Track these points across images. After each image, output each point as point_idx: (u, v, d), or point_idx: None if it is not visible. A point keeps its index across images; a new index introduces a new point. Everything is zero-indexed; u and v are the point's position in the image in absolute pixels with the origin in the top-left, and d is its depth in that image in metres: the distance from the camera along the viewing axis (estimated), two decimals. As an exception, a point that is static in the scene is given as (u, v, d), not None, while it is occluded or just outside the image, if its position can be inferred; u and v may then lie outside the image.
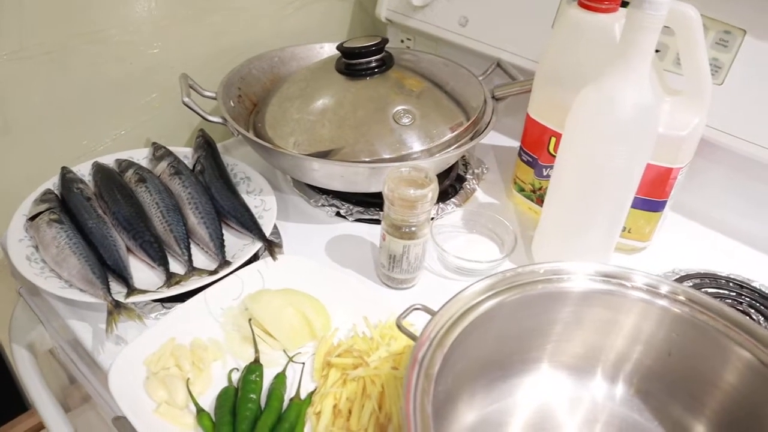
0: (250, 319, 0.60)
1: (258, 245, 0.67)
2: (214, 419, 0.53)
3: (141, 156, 0.78)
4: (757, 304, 0.70)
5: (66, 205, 0.68)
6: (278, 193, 0.80)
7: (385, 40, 0.78)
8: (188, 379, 0.55)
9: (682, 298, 0.51)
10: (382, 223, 0.66)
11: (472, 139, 0.76)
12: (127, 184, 0.72)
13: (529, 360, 0.56)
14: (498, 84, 0.83)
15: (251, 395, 0.54)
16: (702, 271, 0.74)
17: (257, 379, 0.55)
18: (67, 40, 0.74)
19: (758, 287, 0.72)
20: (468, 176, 0.85)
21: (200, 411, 0.53)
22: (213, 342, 0.60)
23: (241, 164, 0.78)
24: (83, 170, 0.75)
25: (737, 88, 0.73)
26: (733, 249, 0.79)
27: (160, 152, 0.76)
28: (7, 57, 0.70)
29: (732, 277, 0.73)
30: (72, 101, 0.77)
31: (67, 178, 0.71)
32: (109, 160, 0.77)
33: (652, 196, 0.72)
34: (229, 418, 0.53)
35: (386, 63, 0.79)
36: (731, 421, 0.50)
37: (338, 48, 0.78)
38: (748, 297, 0.71)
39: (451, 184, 0.84)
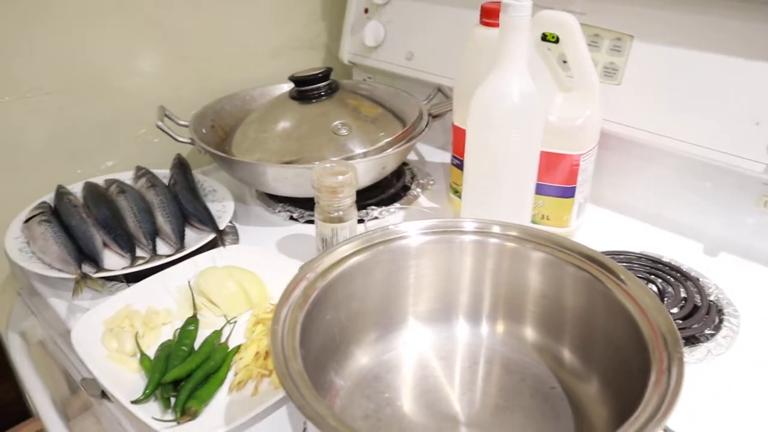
0: (189, 281, 0.70)
1: (212, 235, 0.79)
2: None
3: (127, 177, 0.92)
4: (663, 274, 0.76)
5: (56, 211, 0.82)
6: (243, 204, 0.93)
7: (330, 69, 0.91)
8: (137, 332, 0.66)
9: (514, 233, 0.59)
10: (315, 212, 0.76)
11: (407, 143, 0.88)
12: (110, 195, 0.85)
13: (399, 315, 0.63)
14: (434, 104, 0.96)
15: (186, 340, 0.64)
16: (617, 250, 0.81)
17: (192, 329, 0.65)
18: (67, 84, 0.90)
19: (667, 261, 0.79)
20: (413, 186, 0.96)
21: (143, 355, 0.63)
22: (166, 310, 0.71)
23: (210, 180, 0.91)
24: (76, 189, 0.88)
25: (633, 86, 0.82)
26: (647, 232, 0.86)
27: (141, 172, 0.90)
28: (17, 97, 0.87)
29: (644, 253, 0.80)
30: (71, 136, 0.93)
31: (60, 191, 0.85)
32: (99, 180, 0.91)
33: (562, 183, 0.81)
34: (164, 358, 0.62)
35: (332, 88, 0.92)
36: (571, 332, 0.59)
37: (290, 78, 0.91)
38: (658, 270, 0.77)
39: (396, 192, 0.94)
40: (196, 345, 0.65)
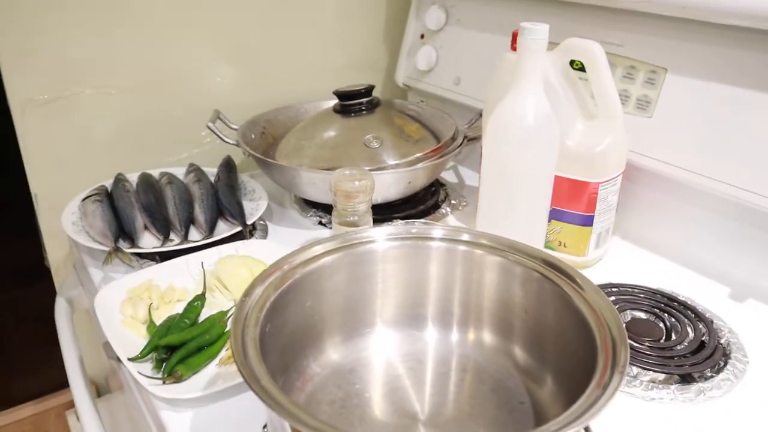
0: (201, 263, 0.76)
1: (239, 228, 0.85)
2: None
3: (181, 172, 1.01)
4: (675, 312, 0.74)
5: (111, 194, 0.91)
6: (281, 207, 0.99)
7: (372, 86, 0.96)
8: (151, 303, 0.72)
9: (484, 241, 0.60)
10: (332, 215, 0.80)
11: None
12: (160, 185, 0.94)
13: (367, 319, 0.64)
14: (470, 126, 0.98)
15: (190, 314, 0.70)
16: (630, 283, 0.79)
17: (197, 305, 0.71)
18: (140, 83, 1.01)
19: (683, 300, 0.77)
20: (444, 205, 0.98)
21: (151, 322, 0.70)
22: (183, 288, 0.77)
23: (251, 181, 0.98)
24: (133, 177, 0.98)
25: (664, 120, 0.81)
26: (673, 270, 0.84)
27: (192, 168, 0.99)
28: (96, 91, 0.98)
29: (660, 290, 0.78)
30: (137, 131, 1.03)
31: (118, 178, 0.95)
32: (155, 172, 1.00)
33: (580, 210, 0.81)
34: (167, 327, 0.68)
35: (374, 104, 0.97)
36: (536, 341, 0.60)
37: (334, 92, 0.97)
38: (670, 307, 0.75)
39: (426, 209, 0.97)
40: (200, 321, 0.71)
